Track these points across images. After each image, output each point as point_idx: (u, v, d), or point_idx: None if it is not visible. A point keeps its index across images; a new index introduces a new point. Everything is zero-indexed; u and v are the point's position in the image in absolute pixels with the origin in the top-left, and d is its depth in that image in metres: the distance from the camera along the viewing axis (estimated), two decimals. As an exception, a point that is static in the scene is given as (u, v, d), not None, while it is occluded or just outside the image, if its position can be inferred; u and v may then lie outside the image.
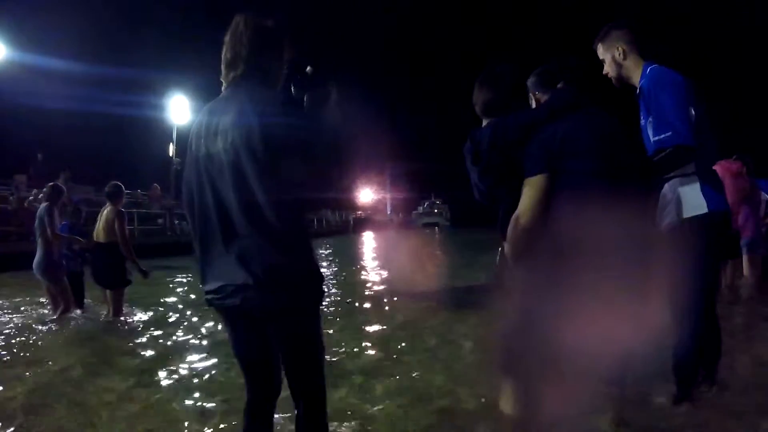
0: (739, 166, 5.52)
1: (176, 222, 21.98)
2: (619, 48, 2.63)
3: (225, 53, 1.80)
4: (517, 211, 1.86)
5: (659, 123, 2.41)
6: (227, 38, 1.80)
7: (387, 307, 6.36)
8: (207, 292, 1.74)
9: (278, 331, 1.72)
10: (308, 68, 1.83)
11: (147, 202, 21.59)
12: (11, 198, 15.43)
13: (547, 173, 1.84)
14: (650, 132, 2.49)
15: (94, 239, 5.72)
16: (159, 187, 22.76)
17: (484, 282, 7.04)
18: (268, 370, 1.83)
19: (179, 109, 28.81)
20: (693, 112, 2.42)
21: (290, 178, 1.60)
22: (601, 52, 2.72)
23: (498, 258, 2.24)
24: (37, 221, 5.87)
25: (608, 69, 2.70)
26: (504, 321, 1.98)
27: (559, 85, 2.25)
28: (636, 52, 2.63)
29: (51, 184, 6.23)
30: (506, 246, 1.95)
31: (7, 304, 6.89)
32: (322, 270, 1.76)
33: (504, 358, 2.02)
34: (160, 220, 20.92)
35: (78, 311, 6.06)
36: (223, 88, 1.82)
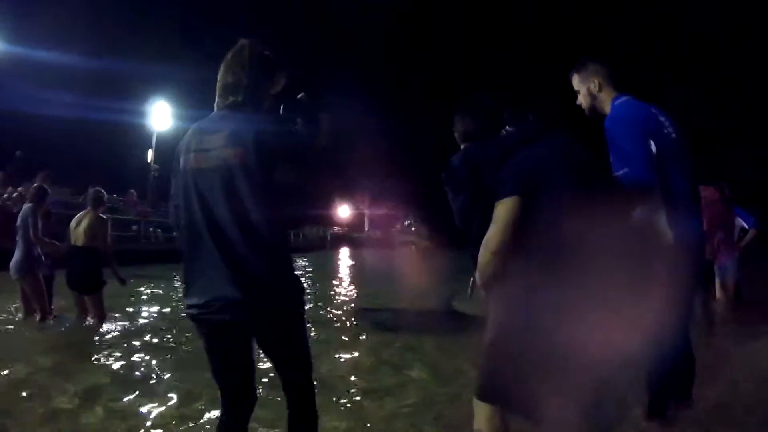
0: (714, 193, 5.66)
1: (151, 230, 21.64)
2: (595, 81, 2.69)
3: (225, 76, 1.84)
4: (486, 235, 1.85)
5: (616, 159, 2.45)
6: (229, 61, 1.85)
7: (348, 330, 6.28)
8: (190, 306, 1.73)
9: (268, 339, 1.78)
10: (301, 95, 1.95)
11: (123, 207, 21.20)
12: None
13: (519, 195, 1.82)
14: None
15: (72, 243, 5.56)
16: (135, 194, 22.43)
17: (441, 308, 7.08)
18: (248, 382, 1.85)
19: (160, 116, 28.54)
20: (653, 145, 2.43)
21: (279, 188, 1.67)
22: (576, 83, 2.77)
23: (470, 288, 2.24)
24: (19, 221, 5.72)
25: (582, 100, 2.75)
26: (488, 344, 1.95)
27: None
28: (611, 85, 2.68)
29: (36, 184, 6.11)
30: (476, 272, 1.93)
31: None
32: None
33: (488, 381, 1.97)
34: (134, 227, 20.54)
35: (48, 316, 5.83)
36: (216, 108, 1.86)
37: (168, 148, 30.03)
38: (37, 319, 5.67)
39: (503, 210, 1.82)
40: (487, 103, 2.26)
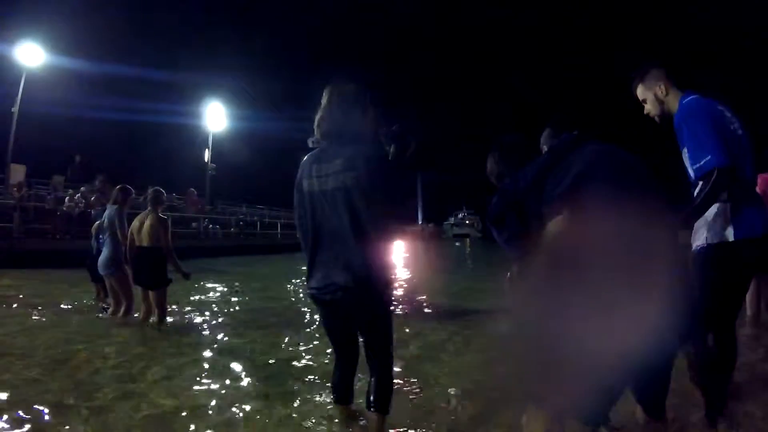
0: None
1: (210, 226, 22.41)
2: (661, 85, 2.67)
3: (324, 117, 2.33)
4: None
5: (695, 150, 2.42)
6: (334, 99, 2.33)
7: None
8: (311, 288, 2.34)
9: (363, 318, 2.35)
10: (395, 127, 2.43)
11: (182, 205, 22.08)
12: (49, 198, 15.94)
13: (564, 211, 1.83)
14: (688, 162, 2.49)
15: (137, 244, 5.79)
16: (195, 192, 23.29)
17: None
18: (350, 345, 2.52)
19: (215, 117, 29.46)
20: (725, 136, 2.41)
21: (385, 203, 2.21)
22: (641, 92, 2.76)
23: (506, 283, 2.34)
24: (106, 222, 6.08)
25: (650, 108, 2.73)
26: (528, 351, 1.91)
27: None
28: (675, 86, 2.66)
29: (119, 186, 6.37)
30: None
31: (55, 300, 7.05)
32: None
33: (533, 386, 1.93)
34: (194, 224, 21.37)
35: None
36: (322, 138, 2.36)
37: (223, 147, 31.18)
38: (120, 314, 5.97)
39: (553, 230, 1.85)
40: (515, 142, 2.36)
